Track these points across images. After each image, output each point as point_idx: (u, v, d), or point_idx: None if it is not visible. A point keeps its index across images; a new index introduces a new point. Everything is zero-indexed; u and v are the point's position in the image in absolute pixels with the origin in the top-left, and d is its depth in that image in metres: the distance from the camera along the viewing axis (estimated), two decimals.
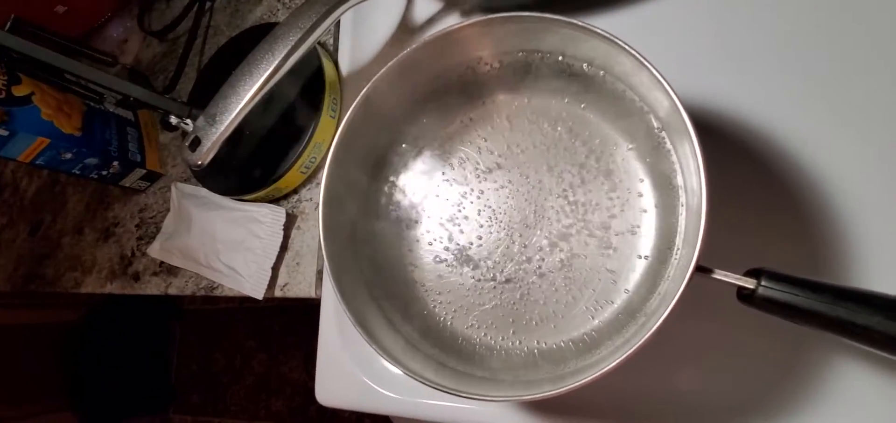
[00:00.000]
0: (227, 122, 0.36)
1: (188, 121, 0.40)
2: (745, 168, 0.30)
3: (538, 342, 0.30)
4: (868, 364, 0.26)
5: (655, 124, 0.28)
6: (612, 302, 0.29)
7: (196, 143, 0.37)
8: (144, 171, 0.52)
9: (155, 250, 0.49)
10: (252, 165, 0.44)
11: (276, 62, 0.35)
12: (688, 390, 0.29)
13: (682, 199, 0.27)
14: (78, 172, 0.49)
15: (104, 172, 0.50)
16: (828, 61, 0.30)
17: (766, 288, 0.22)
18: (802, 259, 0.28)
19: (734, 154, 0.30)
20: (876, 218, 0.27)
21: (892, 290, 0.21)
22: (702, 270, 0.23)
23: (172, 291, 0.49)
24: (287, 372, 1.31)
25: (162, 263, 0.50)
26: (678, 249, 0.27)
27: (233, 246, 0.44)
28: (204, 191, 0.46)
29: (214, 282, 0.46)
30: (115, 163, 0.50)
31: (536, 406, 0.32)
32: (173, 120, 0.40)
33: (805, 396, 0.26)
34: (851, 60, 0.29)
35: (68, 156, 0.48)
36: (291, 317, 1.33)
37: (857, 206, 0.28)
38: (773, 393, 0.27)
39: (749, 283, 0.22)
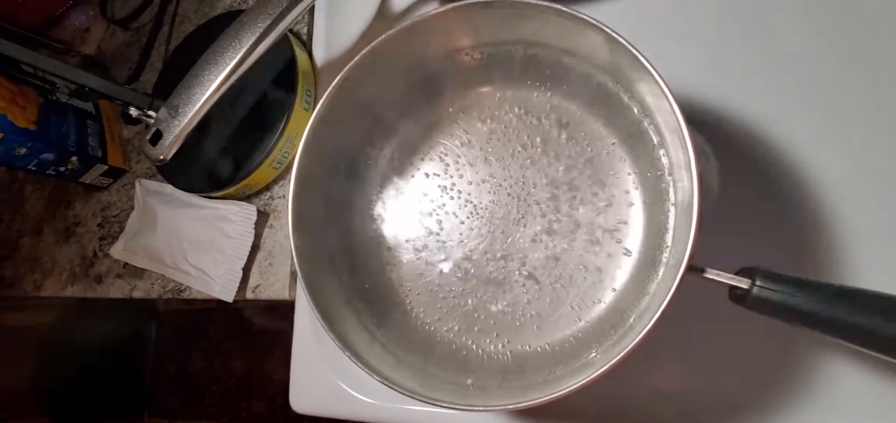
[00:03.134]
0: (191, 114, 0.33)
1: (151, 113, 0.38)
2: (735, 165, 0.29)
3: (523, 346, 0.29)
4: (860, 366, 0.25)
5: (644, 118, 0.27)
6: (600, 301, 0.28)
7: (158, 136, 0.34)
8: (106, 167, 0.49)
9: (118, 251, 0.46)
10: (221, 161, 0.41)
11: (244, 50, 0.33)
12: (677, 391, 0.28)
13: (671, 195, 0.26)
14: (34, 168, 0.46)
15: (62, 169, 0.47)
16: (821, 59, 0.29)
17: (761, 288, 0.21)
18: (794, 259, 0.27)
19: (725, 150, 0.29)
20: (869, 216, 0.26)
21: (887, 290, 0.21)
22: (693, 269, 0.21)
23: (137, 294, 0.46)
24: (268, 372, 1.28)
25: (126, 264, 0.47)
26: (668, 247, 0.25)
27: (201, 246, 0.41)
28: (170, 188, 0.44)
29: (182, 284, 0.43)
30: (74, 158, 0.47)
31: (519, 412, 0.30)
32: (133, 112, 0.37)
33: (796, 397, 0.26)
34: (846, 58, 0.29)
35: (23, 151, 0.44)
36: (272, 316, 1.30)
37: (850, 204, 0.27)
38: (764, 394, 0.26)
39: (743, 282, 0.21)
